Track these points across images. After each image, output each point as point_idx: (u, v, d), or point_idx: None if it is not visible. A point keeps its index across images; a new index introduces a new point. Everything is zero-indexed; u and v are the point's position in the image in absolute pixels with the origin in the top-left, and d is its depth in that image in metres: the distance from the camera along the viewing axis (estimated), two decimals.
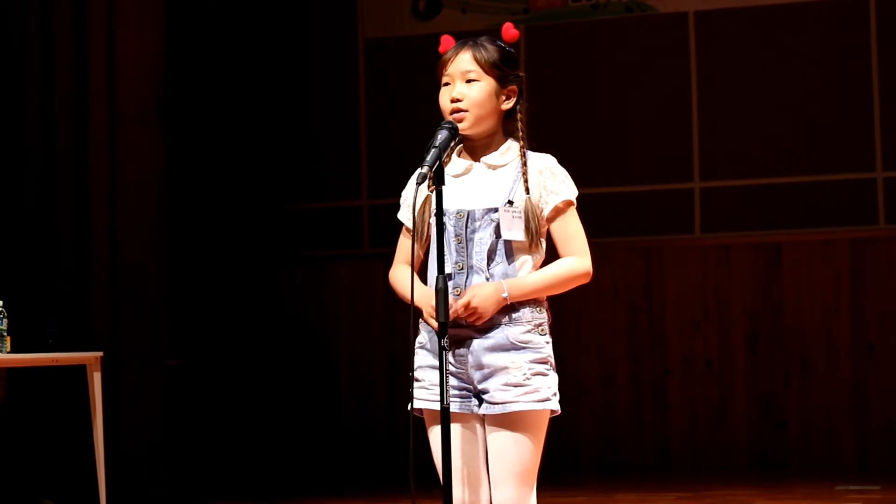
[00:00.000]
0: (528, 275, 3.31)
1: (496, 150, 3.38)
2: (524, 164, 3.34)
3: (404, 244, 3.48)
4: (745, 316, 8.93)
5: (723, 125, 9.09)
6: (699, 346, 8.99)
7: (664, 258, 9.07)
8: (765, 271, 8.93)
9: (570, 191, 3.36)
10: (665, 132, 9.18)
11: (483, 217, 3.31)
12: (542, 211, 3.33)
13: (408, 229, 3.46)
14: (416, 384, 3.33)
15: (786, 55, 9.02)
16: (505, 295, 3.25)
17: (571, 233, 3.35)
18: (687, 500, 7.42)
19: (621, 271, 8.93)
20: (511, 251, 3.31)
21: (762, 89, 9.03)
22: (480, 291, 3.24)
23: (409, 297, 3.30)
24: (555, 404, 3.30)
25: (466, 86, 3.34)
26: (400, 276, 3.45)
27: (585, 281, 3.36)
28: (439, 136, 3.26)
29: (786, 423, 8.83)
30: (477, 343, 3.28)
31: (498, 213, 3.29)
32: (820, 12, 9.00)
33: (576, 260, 3.34)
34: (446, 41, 3.44)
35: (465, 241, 3.31)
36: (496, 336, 3.27)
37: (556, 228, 3.35)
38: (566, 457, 8.83)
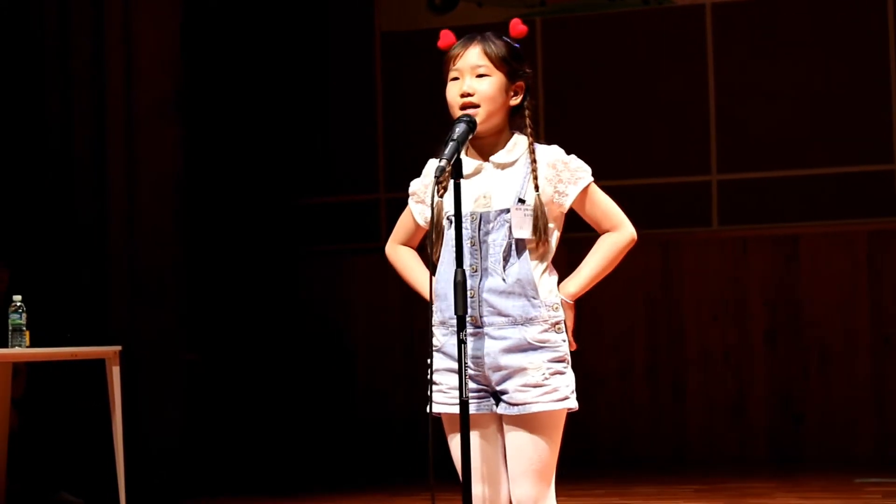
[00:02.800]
0: (580, 269, 3.32)
1: (503, 147, 3.36)
2: (533, 161, 3.32)
3: (405, 221, 3.49)
4: (763, 308, 8.92)
5: (740, 117, 9.07)
6: (717, 339, 8.97)
7: (682, 251, 9.05)
8: (782, 263, 8.91)
9: (586, 173, 3.35)
10: (682, 124, 9.16)
11: (496, 218, 3.29)
12: (561, 205, 3.33)
13: (413, 214, 3.47)
14: (433, 388, 3.34)
15: (802, 47, 8.99)
16: (568, 301, 3.30)
17: (605, 208, 3.37)
18: (704, 493, 7.41)
19: (639, 264, 8.91)
20: (525, 251, 3.30)
21: (779, 81, 9.00)
22: (569, 322, 3.31)
23: (411, 280, 3.41)
24: (573, 402, 3.30)
25: (477, 80, 3.31)
26: (405, 259, 3.47)
27: (632, 246, 3.38)
28: (457, 130, 3.23)
29: (804, 416, 8.81)
30: (494, 344, 3.26)
31: (509, 214, 3.28)
32: (837, 4, 8.97)
33: (617, 233, 3.36)
34: (446, 36, 3.41)
35: (478, 244, 3.29)
36: (514, 337, 3.25)
37: (590, 210, 3.35)
38: (584, 449, 8.82)
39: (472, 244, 3.29)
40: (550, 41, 9.25)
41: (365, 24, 9.69)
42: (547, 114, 9.16)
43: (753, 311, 8.94)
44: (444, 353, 3.32)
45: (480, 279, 3.28)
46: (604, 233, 3.38)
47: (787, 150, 8.99)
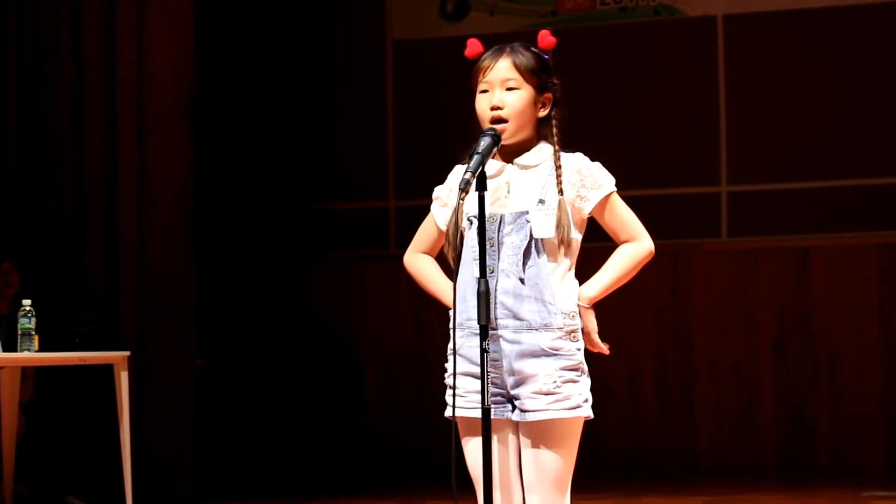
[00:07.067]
0: (598, 274, 3.32)
1: (528, 151, 3.37)
2: (559, 167, 3.33)
3: (426, 229, 3.48)
4: (773, 319, 8.90)
5: (751, 128, 9.06)
6: (726, 350, 8.95)
7: (692, 261, 9.04)
8: (793, 275, 8.89)
9: (609, 181, 3.37)
10: (693, 135, 9.16)
11: (515, 220, 3.29)
12: (581, 210, 3.33)
13: (436, 219, 3.46)
14: (450, 391, 3.33)
15: (814, 59, 8.98)
16: (584, 305, 3.31)
17: (624, 219, 3.39)
18: None
19: (649, 274, 8.83)
20: (545, 253, 3.29)
21: (790, 93, 8.99)
22: (591, 325, 3.36)
23: (432, 289, 3.39)
24: (586, 411, 3.29)
25: (507, 94, 3.32)
26: (424, 268, 3.45)
27: (649, 259, 3.40)
28: (482, 143, 3.24)
29: (813, 428, 8.79)
30: (510, 348, 3.25)
31: (530, 215, 3.28)
32: (849, 16, 8.96)
33: (635, 244, 3.38)
34: (473, 45, 3.41)
35: (496, 245, 3.30)
36: (528, 342, 3.24)
37: (609, 219, 3.36)
38: (593, 459, 8.80)
39: (491, 245, 3.29)
40: (561, 51, 9.22)
41: (377, 32, 9.70)
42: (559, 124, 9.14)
43: (763, 322, 8.92)
44: (461, 356, 3.30)
45: (496, 280, 3.27)
46: (622, 243, 3.38)
47: (797, 162, 8.97)
